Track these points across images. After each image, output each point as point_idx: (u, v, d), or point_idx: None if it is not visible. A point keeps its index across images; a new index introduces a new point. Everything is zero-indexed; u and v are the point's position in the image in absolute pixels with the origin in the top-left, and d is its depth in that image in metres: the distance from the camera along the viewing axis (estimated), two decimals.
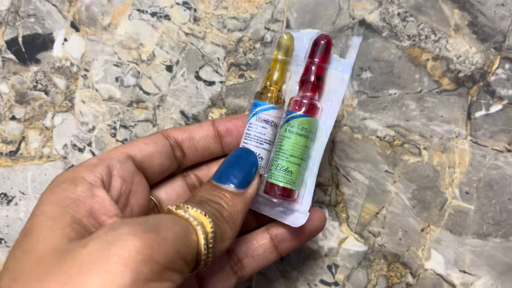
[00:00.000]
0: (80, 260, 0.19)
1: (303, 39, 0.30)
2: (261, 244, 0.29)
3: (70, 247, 0.20)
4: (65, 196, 0.23)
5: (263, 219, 0.30)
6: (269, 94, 0.29)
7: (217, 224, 0.24)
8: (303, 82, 0.29)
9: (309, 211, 0.29)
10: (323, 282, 0.35)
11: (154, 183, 0.30)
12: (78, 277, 0.18)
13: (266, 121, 0.29)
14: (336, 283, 0.35)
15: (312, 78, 0.29)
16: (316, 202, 0.35)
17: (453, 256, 0.35)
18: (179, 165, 0.30)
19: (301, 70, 0.30)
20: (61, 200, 0.23)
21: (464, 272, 0.35)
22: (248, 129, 0.29)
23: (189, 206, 0.23)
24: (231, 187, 0.26)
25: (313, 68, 0.29)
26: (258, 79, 0.31)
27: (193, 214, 0.23)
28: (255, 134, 0.29)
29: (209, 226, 0.23)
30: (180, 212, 0.23)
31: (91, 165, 0.25)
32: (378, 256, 0.35)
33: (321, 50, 0.29)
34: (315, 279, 0.35)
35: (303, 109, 0.28)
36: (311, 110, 0.28)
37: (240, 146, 0.29)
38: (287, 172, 0.28)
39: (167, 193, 0.30)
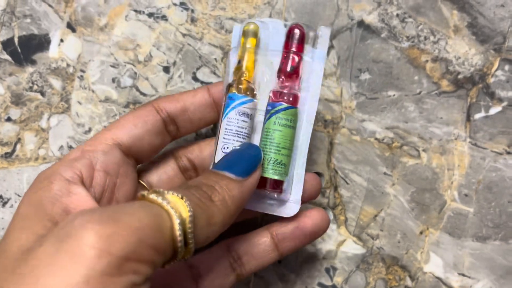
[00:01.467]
0: (35, 260, 0.18)
1: (269, 27, 0.30)
2: (262, 242, 0.29)
3: (33, 245, 0.19)
4: (41, 195, 0.22)
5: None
6: (242, 86, 0.28)
7: (202, 207, 0.22)
8: (283, 72, 0.29)
9: (312, 212, 0.29)
10: (321, 285, 0.35)
11: (146, 162, 0.29)
12: (30, 279, 0.18)
13: (246, 114, 0.28)
14: (334, 286, 0.35)
15: (291, 69, 0.29)
16: (314, 205, 0.35)
17: (452, 259, 0.34)
18: (173, 138, 0.29)
19: (269, 59, 0.29)
20: (37, 199, 0.22)
21: (463, 275, 0.34)
22: (228, 124, 0.28)
23: (166, 191, 0.21)
24: (230, 174, 0.24)
25: (291, 57, 0.29)
26: (229, 70, 0.30)
27: (169, 198, 0.21)
28: (236, 129, 0.28)
29: (186, 210, 0.21)
30: (153, 196, 0.21)
31: (71, 160, 0.24)
32: (376, 259, 0.35)
33: (297, 40, 0.29)
34: (313, 282, 0.35)
35: (288, 100, 0.28)
36: (295, 101, 0.28)
37: (220, 141, 0.28)
38: (281, 164, 0.28)
39: (159, 176, 0.29)
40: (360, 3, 0.35)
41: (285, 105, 0.28)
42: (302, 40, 0.29)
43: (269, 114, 0.28)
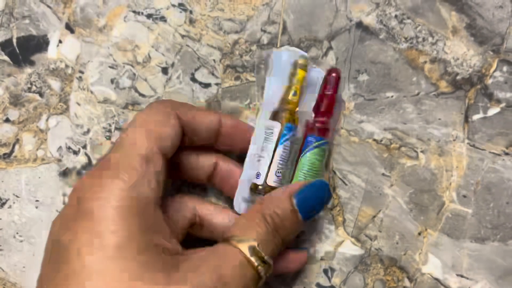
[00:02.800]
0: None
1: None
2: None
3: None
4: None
5: None
6: (292, 117, 0.32)
7: (269, 239, 0.27)
8: (321, 110, 0.33)
9: (293, 253, 0.33)
10: (319, 286, 0.35)
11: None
12: None
13: (293, 143, 0.32)
14: (332, 287, 0.35)
15: (329, 106, 0.33)
16: None
17: (450, 260, 0.34)
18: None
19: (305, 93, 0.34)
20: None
21: (462, 276, 0.34)
22: (284, 151, 0.32)
23: (254, 245, 0.26)
24: (300, 215, 0.29)
25: (329, 97, 0.33)
26: (267, 96, 0.33)
27: (256, 253, 0.26)
28: (290, 157, 0.32)
29: (269, 264, 0.27)
30: (235, 244, 0.26)
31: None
32: (374, 260, 0.35)
33: (334, 82, 0.33)
34: (311, 283, 0.35)
35: (326, 135, 0.32)
36: (329, 135, 0.33)
37: (274, 166, 0.31)
38: None
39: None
40: (358, 4, 0.35)
41: (325, 140, 0.32)
42: (338, 82, 0.33)
43: (312, 145, 0.32)
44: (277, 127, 0.31)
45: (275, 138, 0.31)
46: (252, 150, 0.32)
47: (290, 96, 0.32)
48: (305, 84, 0.33)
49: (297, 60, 0.32)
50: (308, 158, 0.32)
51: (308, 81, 0.33)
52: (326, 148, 0.32)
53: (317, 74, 0.33)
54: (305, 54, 0.33)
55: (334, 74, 0.33)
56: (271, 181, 0.31)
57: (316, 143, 0.32)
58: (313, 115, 0.33)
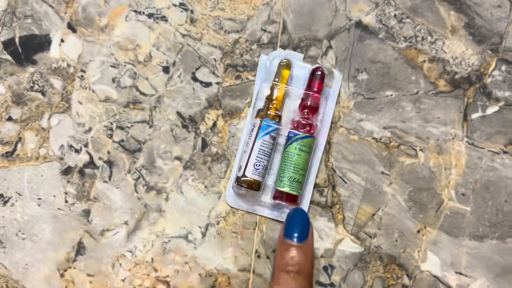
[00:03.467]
0: None
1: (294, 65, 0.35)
2: None
3: None
4: None
5: None
6: (272, 113, 0.34)
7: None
8: (306, 106, 0.34)
9: None
10: (319, 283, 0.35)
11: None
12: None
13: (274, 138, 0.34)
14: (332, 284, 0.35)
15: (314, 104, 0.34)
16: (312, 204, 0.35)
17: (449, 258, 0.35)
18: None
19: (291, 92, 0.35)
20: None
21: (460, 273, 0.35)
22: (262, 145, 0.33)
23: None
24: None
25: (313, 94, 0.34)
26: (257, 96, 0.35)
27: None
28: (267, 150, 0.33)
29: None
30: None
31: None
32: (374, 258, 0.35)
33: (319, 80, 0.34)
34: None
35: (308, 130, 0.33)
36: (313, 131, 0.34)
37: (252, 158, 0.33)
38: (298, 182, 0.33)
39: None
40: (358, 4, 0.36)
41: (305, 134, 0.33)
42: (322, 80, 0.34)
43: (291, 140, 0.33)
44: (257, 123, 0.34)
45: (255, 133, 0.33)
46: (241, 147, 0.35)
47: (273, 95, 0.34)
48: (289, 83, 0.35)
49: (281, 60, 0.34)
50: (288, 152, 0.33)
51: (299, 79, 0.35)
52: (308, 143, 0.33)
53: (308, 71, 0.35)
54: (290, 59, 0.35)
55: (318, 72, 0.34)
56: (250, 173, 0.33)
57: (294, 138, 0.33)
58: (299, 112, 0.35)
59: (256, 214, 0.35)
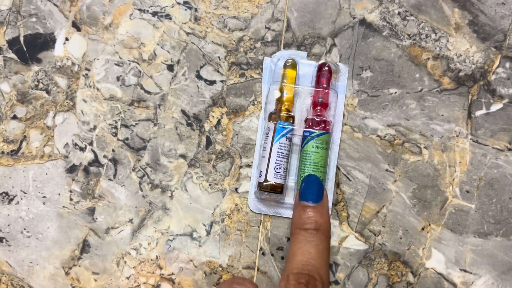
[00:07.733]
0: None
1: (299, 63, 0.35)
2: None
3: None
4: None
5: None
6: (285, 115, 0.34)
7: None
8: (317, 103, 0.34)
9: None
10: None
11: None
12: None
13: (290, 139, 0.34)
14: (336, 282, 0.35)
15: (324, 100, 0.34)
16: None
17: (453, 255, 0.35)
18: None
19: (301, 91, 0.35)
20: None
21: (465, 271, 0.35)
22: (280, 148, 0.33)
23: None
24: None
25: (322, 91, 0.34)
26: (266, 99, 0.35)
27: None
28: (285, 152, 0.33)
29: None
30: None
31: None
32: (378, 255, 0.35)
33: (326, 76, 0.34)
34: None
35: (323, 126, 0.33)
36: (328, 127, 0.34)
37: (272, 162, 0.33)
38: None
39: None
40: (361, 2, 0.36)
41: (321, 131, 0.33)
42: (330, 75, 0.34)
43: (307, 139, 0.33)
44: (271, 126, 0.33)
45: (271, 137, 0.33)
46: (257, 153, 0.35)
47: (283, 96, 0.34)
48: (297, 82, 0.35)
49: (286, 61, 0.34)
50: (306, 151, 0.33)
51: (306, 77, 0.35)
52: (324, 140, 0.33)
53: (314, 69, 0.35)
54: (294, 58, 0.35)
55: (325, 68, 0.34)
56: (271, 177, 0.33)
57: (310, 136, 0.33)
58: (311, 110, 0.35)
59: (283, 217, 0.35)
